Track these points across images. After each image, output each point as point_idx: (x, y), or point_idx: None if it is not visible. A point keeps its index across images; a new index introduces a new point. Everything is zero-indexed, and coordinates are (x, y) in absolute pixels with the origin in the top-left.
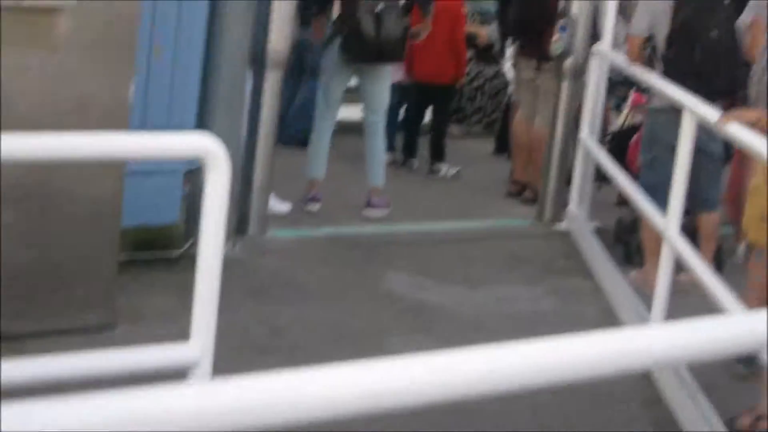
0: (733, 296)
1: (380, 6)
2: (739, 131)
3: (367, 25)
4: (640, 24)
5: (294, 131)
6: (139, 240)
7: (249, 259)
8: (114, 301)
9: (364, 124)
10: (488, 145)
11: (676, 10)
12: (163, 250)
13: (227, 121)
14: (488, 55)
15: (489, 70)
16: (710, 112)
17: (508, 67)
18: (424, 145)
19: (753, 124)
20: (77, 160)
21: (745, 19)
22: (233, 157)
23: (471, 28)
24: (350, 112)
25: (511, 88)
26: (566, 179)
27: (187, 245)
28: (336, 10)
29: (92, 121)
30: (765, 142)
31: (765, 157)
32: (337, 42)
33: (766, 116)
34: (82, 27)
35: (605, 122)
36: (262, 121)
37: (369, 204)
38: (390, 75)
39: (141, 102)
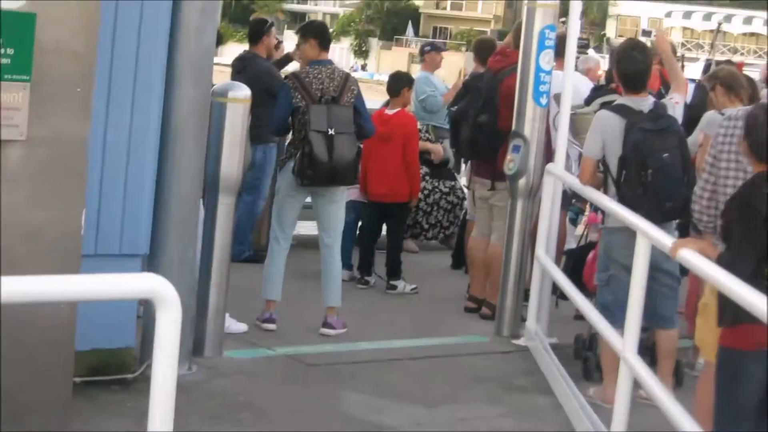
0: (690, 418)
1: (332, 130)
2: (691, 256)
3: (320, 149)
4: (592, 146)
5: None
6: (95, 363)
7: (205, 381)
8: (69, 426)
9: (320, 245)
10: (445, 259)
11: (628, 132)
12: (118, 373)
13: (180, 244)
14: (443, 170)
15: (444, 185)
16: (663, 237)
17: (464, 181)
18: (380, 261)
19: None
20: (27, 303)
21: (696, 137)
22: (187, 279)
23: (425, 144)
24: (307, 228)
25: (467, 203)
26: (524, 295)
27: (142, 368)
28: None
29: (44, 251)
30: (713, 266)
31: (714, 280)
32: (291, 165)
33: (711, 246)
34: (32, 158)
35: (561, 238)
36: (216, 243)
37: (326, 324)
38: (344, 197)
39: (93, 228)
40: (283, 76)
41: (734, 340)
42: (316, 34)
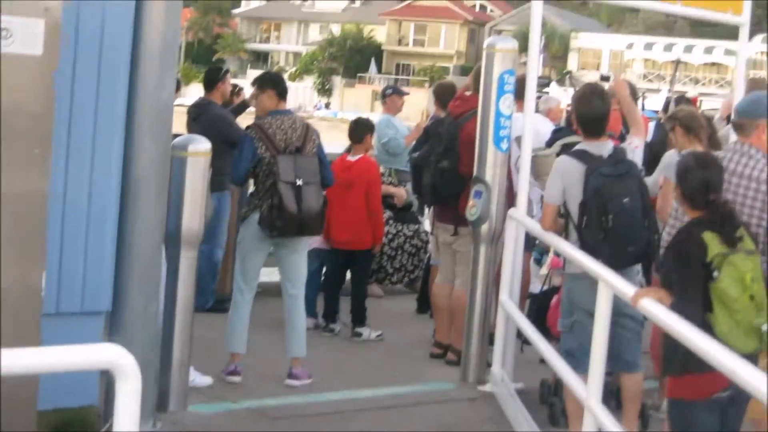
0: None
1: (300, 181)
2: (651, 307)
3: (289, 200)
4: (553, 192)
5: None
6: (58, 423)
7: None
8: None
9: (283, 295)
10: (410, 303)
11: (588, 178)
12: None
13: (143, 300)
14: (407, 213)
15: (408, 229)
16: (624, 285)
17: (427, 225)
18: (345, 308)
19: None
20: None
21: (656, 178)
22: (150, 335)
23: (388, 188)
24: (270, 275)
25: (430, 247)
26: (489, 340)
27: (106, 426)
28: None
29: (4, 313)
30: (674, 316)
31: (674, 331)
32: (255, 217)
33: (668, 295)
34: None
35: (525, 281)
36: (178, 298)
37: (291, 375)
38: (306, 246)
39: (54, 286)
40: (244, 126)
41: (684, 391)
42: (273, 84)
